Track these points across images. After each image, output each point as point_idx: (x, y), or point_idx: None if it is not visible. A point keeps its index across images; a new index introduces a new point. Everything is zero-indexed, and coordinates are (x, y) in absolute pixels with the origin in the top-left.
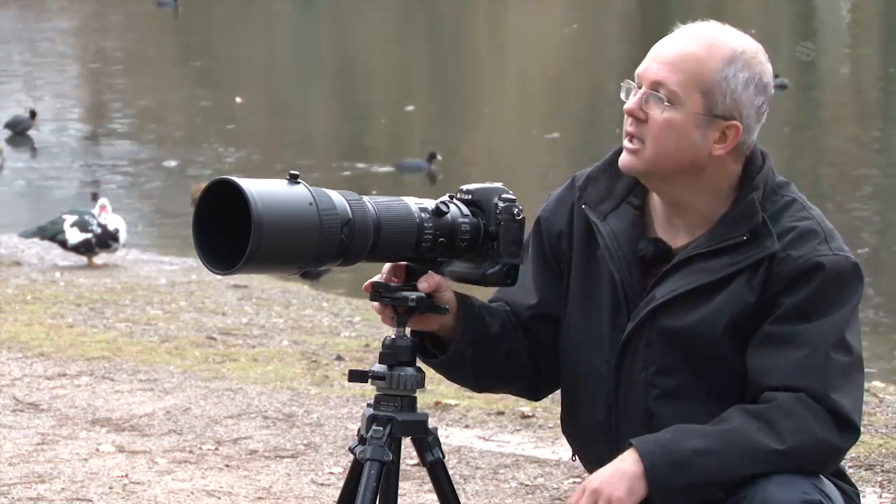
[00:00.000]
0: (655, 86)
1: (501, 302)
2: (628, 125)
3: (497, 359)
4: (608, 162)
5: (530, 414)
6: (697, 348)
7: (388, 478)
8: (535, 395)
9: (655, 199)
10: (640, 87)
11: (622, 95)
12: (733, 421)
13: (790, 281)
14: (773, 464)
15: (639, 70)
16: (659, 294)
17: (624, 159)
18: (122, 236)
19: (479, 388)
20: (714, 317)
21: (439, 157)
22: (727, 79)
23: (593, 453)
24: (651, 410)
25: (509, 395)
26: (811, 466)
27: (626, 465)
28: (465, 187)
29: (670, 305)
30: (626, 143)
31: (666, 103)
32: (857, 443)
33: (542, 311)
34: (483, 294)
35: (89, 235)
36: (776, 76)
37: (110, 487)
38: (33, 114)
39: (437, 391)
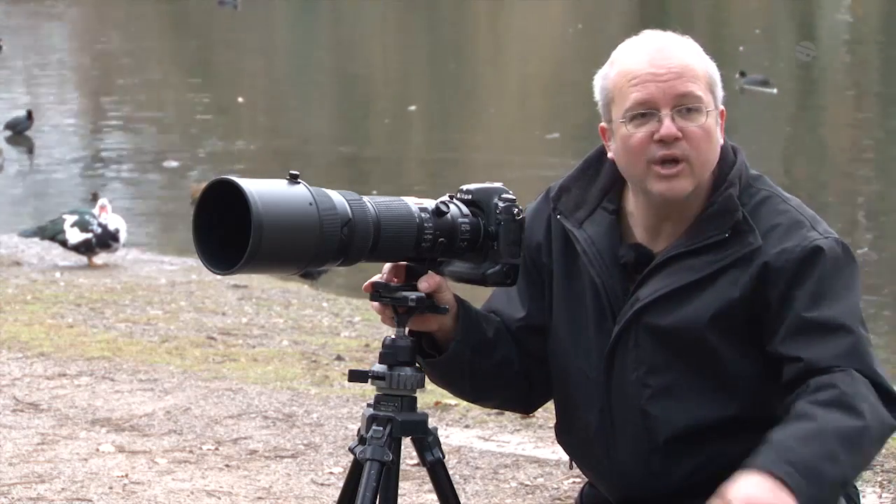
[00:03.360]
0: (681, 100)
1: (492, 313)
2: (663, 150)
3: (493, 363)
4: (580, 170)
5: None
6: (685, 346)
7: (388, 478)
8: (527, 406)
9: (632, 203)
10: (654, 111)
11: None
12: (817, 418)
13: (795, 271)
14: (867, 450)
15: (647, 95)
16: (642, 295)
17: (674, 186)
18: (122, 236)
19: (474, 393)
20: (698, 314)
21: None
22: (713, 69)
23: (590, 457)
24: (645, 410)
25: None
26: (880, 445)
27: (776, 491)
28: (464, 187)
29: (654, 305)
30: (663, 171)
31: (701, 112)
32: None
33: (529, 322)
34: (483, 295)
35: (89, 235)
36: (742, 74)
37: (110, 487)
38: (30, 114)
39: (437, 391)
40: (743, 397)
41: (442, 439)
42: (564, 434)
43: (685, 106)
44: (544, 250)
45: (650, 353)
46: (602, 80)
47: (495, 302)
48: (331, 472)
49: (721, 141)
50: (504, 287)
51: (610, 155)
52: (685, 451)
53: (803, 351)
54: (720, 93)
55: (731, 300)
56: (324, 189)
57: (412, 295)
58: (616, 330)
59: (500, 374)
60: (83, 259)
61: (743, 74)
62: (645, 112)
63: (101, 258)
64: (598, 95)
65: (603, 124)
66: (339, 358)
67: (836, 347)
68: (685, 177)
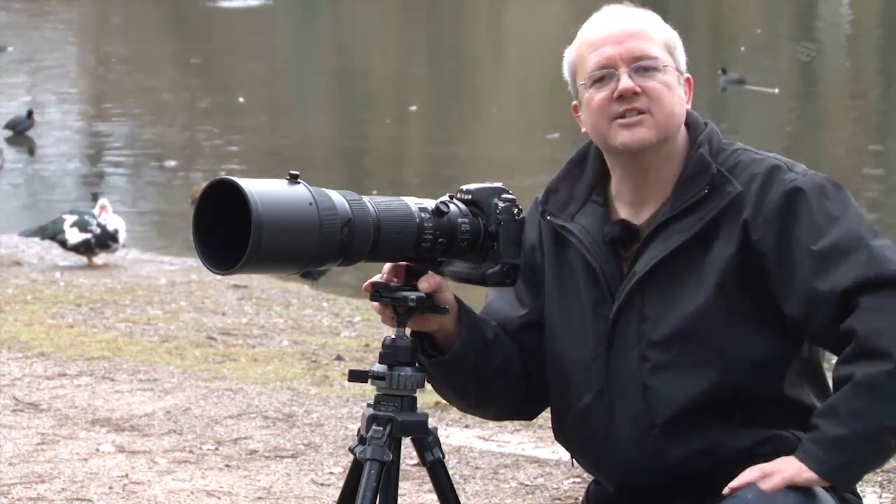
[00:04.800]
0: (637, 60)
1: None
2: (624, 105)
3: (494, 366)
4: (565, 171)
5: None
6: (687, 313)
7: (388, 478)
8: (528, 412)
9: (615, 189)
10: (612, 70)
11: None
12: (845, 402)
13: (782, 217)
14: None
15: (604, 57)
16: (639, 268)
17: (635, 134)
18: (122, 236)
19: (477, 398)
20: (698, 277)
21: None
22: (674, 37)
23: (588, 445)
24: (646, 384)
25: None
26: None
27: (805, 473)
28: (465, 187)
29: (652, 275)
30: (625, 120)
31: (658, 69)
32: None
33: (530, 319)
34: (480, 296)
35: (89, 235)
36: (724, 72)
37: (110, 487)
38: (30, 114)
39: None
40: (743, 371)
41: (442, 439)
42: (561, 426)
43: (641, 64)
44: (538, 251)
45: (652, 325)
46: (567, 57)
47: (492, 309)
48: (331, 472)
49: (685, 98)
50: (503, 288)
51: (583, 130)
52: (683, 431)
53: (823, 283)
54: (682, 57)
55: (728, 256)
56: (324, 189)
57: (412, 295)
58: (616, 306)
59: (502, 377)
60: (83, 259)
61: (724, 72)
62: (604, 74)
63: (100, 258)
64: (566, 75)
65: (574, 102)
66: (339, 358)
67: (853, 265)
68: (647, 126)
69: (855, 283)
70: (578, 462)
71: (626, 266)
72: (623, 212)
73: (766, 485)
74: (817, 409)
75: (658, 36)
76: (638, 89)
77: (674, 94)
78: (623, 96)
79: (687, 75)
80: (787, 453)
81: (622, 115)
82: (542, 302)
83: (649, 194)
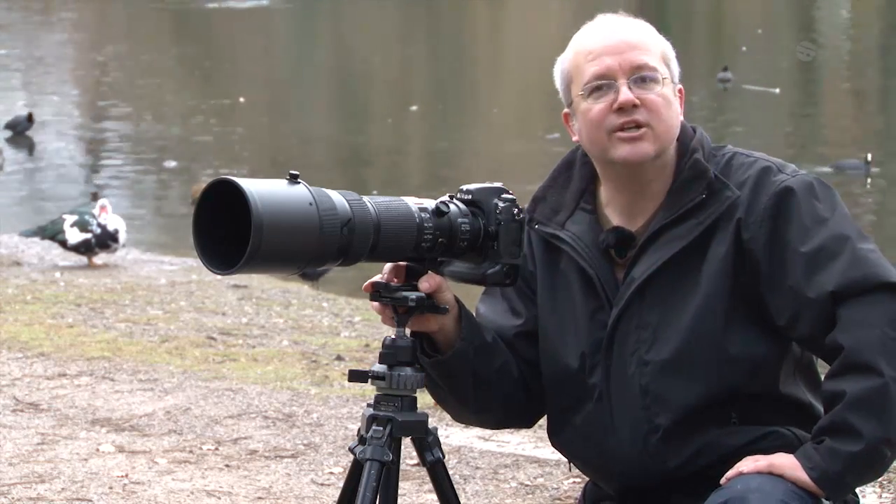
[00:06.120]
0: (636, 70)
1: None
2: (623, 117)
3: (493, 369)
4: (551, 179)
5: None
6: (687, 316)
7: (388, 478)
8: (527, 419)
9: (606, 196)
10: (612, 82)
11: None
12: (842, 397)
13: (773, 215)
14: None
15: (603, 67)
16: (637, 274)
17: (636, 148)
18: (122, 236)
19: (476, 402)
20: (697, 280)
21: (870, 158)
22: (669, 48)
23: (588, 450)
24: (646, 388)
25: None
26: None
27: (800, 472)
28: (464, 187)
29: (652, 280)
30: (625, 134)
31: (657, 81)
32: None
33: (525, 328)
34: (475, 298)
35: (89, 235)
36: (725, 69)
37: (110, 487)
38: (30, 116)
39: None
40: (741, 371)
41: (442, 439)
42: (558, 432)
43: (640, 75)
44: (528, 260)
45: (651, 330)
46: (560, 65)
47: (485, 320)
48: (331, 472)
49: (681, 112)
50: (494, 299)
51: (575, 138)
52: (682, 432)
53: (809, 286)
54: (676, 69)
55: (722, 258)
56: (324, 189)
57: (412, 295)
58: (615, 313)
59: (501, 381)
60: (83, 259)
61: (726, 69)
62: (602, 84)
63: (100, 258)
64: (558, 83)
65: (566, 110)
66: (339, 358)
67: (837, 269)
68: (647, 140)
69: (838, 286)
70: (576, 466)
71: (620, 272)
72: (616, 219)
73: (750, 465)
74: (817, 427)
75: (656, 47)
76: (637, 101)
77: (671, 106)
78: (623, 108)
79: (680, 86)
80: (785, 449)
81: (621, 128)
82: (536, 311)
83: (643, 202)
